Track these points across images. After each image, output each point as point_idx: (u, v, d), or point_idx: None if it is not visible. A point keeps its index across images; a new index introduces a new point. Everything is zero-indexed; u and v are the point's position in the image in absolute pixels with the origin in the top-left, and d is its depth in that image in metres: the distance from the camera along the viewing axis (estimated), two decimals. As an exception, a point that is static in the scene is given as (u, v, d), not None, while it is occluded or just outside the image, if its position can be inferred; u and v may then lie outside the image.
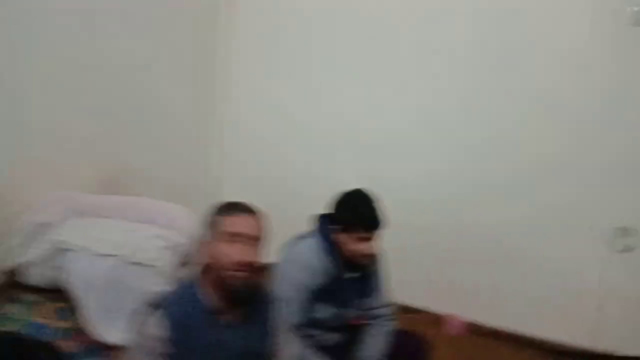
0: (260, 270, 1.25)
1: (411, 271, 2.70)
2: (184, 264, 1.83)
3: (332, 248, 1.66)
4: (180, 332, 1.20)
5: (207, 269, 1.25)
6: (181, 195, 2.29)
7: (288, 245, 1.77)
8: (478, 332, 2.63)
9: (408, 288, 2.68)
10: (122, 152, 2.32)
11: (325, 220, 1.71)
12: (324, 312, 1.71)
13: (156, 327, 1.19)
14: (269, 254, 1.48)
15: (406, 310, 2.66)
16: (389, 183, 2.61)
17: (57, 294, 1.67)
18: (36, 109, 1.83)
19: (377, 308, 1.82)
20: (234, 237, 1.21)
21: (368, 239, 1.60)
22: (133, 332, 1.24)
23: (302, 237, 1.77)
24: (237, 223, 1.24)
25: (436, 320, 2.71)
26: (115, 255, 1.62)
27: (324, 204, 1.74)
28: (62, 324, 1.60)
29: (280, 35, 2.95)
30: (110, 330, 1.61)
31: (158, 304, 1.23)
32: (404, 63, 2.65)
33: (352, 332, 1.84)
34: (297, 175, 3.03)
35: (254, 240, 1.24)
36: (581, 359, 2.42)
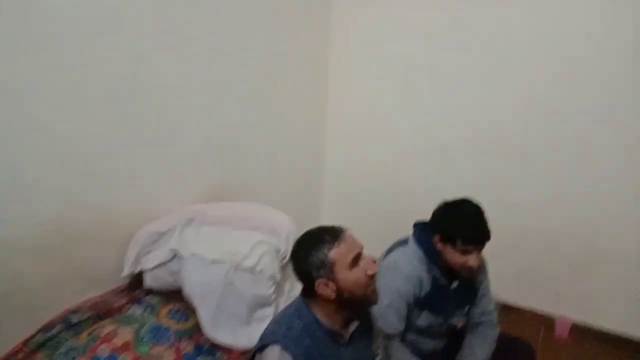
0: None
1: (518, 270, 2.71)
2: (283, 267, 1.91)
3: (434, 257, 1.64)
4: None
5: (326, 299, 1.24)
6: (284, 202, 2.40)
7: (387, 253, 1.78)
8: (588, 336, 2.54)
9: (515, 287, 2.71)
10: (229, 163, 2.46)
11: (426, 229, 1.68)
12: (425, 319, 1.71)
13: None
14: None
15: (511, 310, 2.69)
16: (494, 187, 2.68)
17: (175, 297, 1.80)
18: (152, 130, 1.98)
19: (480, 315, 1.78)
20: (356, 259, 1.23)
21: (472, 252, 1.54)
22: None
23: (400, 244, 1.77)
24: (348, 246, 1.24)
25: (543, 321, 2.66)
26: (225, 262, 1.72)
27: (422, 214, 1.73)
28: (180, 326, 1.70)
29: (384, 48, 2.99)
30: (223, 331, 1.70)
31: (280, 343, 1.19)
32: (505, 59, 2.58)
33: (455, 338, 1.82)
34: (396, 184, 3.11)
35: (363, 249, 1.27)
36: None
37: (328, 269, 1.21)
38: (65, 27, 1.59)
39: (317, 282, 1.22)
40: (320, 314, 1.26)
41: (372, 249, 3.19)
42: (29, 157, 1.56)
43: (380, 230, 3.12)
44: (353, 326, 1.31)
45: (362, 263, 1.23)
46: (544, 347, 2.39)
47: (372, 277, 1.23)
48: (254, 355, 1.27)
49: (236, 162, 2.51)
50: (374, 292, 1.25)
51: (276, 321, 1.31)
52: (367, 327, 1.40)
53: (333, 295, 1.22)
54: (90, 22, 1.67)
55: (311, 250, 1.24)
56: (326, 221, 3.49)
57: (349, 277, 1.20)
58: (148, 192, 1.98)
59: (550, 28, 2.40)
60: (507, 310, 2.70)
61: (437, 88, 2.81)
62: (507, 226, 2.61)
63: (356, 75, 3.14)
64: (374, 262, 1.26)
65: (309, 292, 1.27)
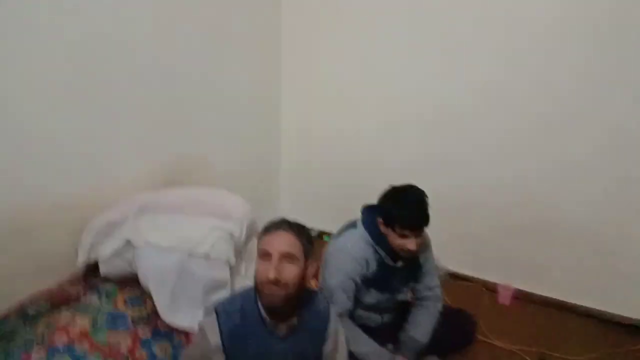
0: (295, 284, 1.27)
1: (464, 240, 2.86)
2: (238, 252, 1.96)
3: (379, 239, 1.73)
4: (233, 340, 1.28)
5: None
6: (239, 182, 2.42)
7: (337, 235, 1.85)
8: (529, 302, 2.72)
9: (462, 257, 2.87)
10: (183, 140, 2.44)
11: (373, 212, 1.77)
12: (373, 297, 1.82)
13: (212, 333, 1.28)
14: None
15: (458, 278, 2.87)
16: (446, 161, 2.76)
17: (130, 283, 1.83)
18: (102, 112, 1.95)
19: (425, 290, 1.89)
20: (264, 255, 1.27)
21: (410, 236, 1.64)
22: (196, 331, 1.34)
23: (349, 227, 1.85)
24: (268, 241, 1.29)
25: (487, 288, 2.83)
26: (180, 249, 1.75)
27: (378, 187, 1.78)
28: (137, 312, 1.75)
29: (340, 17, 2.95)
30: (180, 315, 1.75)
31: (216, 311, 1.31)
32: (466, 38, 2.59)
33: (401, 312, 1.94)
34: (353, 157, 3.16)
35: (285, 256, 1.26)
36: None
37: (258, 249, 1.31)
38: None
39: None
40: (259, 299, 1.32)
41: (330, 220, 3.26)
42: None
43: (337, 202, 3.21)
44: (291, 321, 1.35)
45: (265, 263, 1.26)
46: (486, 313, 2.55)
47: (265, 282, 1.24)
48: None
49: (190, 138, 2.49)
50: (267, 297, 1.26)
51: (230, 294, 1.44)
52: (312, 323, 1.41)
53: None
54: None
55: (261, 231, 1.36)
56: (285, 193, 3.52)
57: (256, 263, 1.30)
58: (101, 175, 1.97)
59: (510, 5, 2.41)
60: (454, 278, 2.88)
61: (396, 63, 2.83)
62: (458, 199, 2.74)
63: (311, 46, 3.11)
64: (278, 278, 1.23)
65: None
